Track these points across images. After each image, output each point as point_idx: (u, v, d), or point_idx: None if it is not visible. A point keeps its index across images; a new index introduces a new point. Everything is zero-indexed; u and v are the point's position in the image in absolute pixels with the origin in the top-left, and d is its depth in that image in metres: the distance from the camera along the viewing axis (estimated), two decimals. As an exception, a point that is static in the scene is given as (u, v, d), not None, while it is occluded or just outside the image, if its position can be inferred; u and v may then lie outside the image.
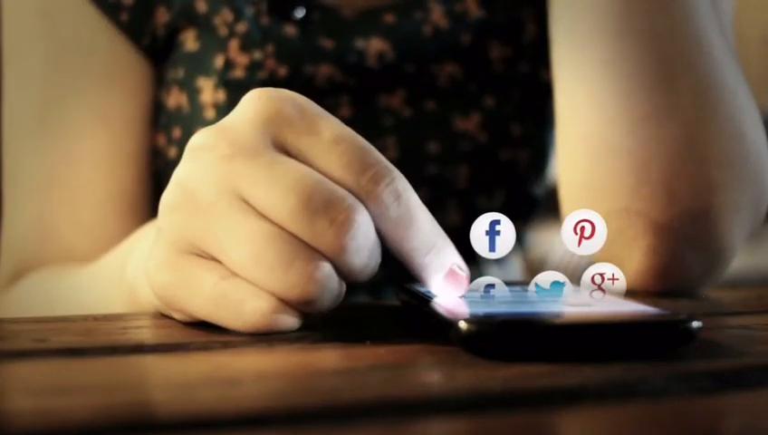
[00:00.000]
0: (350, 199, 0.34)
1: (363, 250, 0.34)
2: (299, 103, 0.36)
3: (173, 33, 0.61)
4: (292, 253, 0.34)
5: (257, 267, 0.34)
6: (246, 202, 0.35)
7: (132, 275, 0.42)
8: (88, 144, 0.61)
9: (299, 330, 0.35)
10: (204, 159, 0.35)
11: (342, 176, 0.34)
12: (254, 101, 0.36)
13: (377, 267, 0.36)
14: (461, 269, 0.36)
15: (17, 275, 0.61)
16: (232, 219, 0.34)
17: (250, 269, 0.34)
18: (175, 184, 0.36)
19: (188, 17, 0.61)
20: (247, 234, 0.34)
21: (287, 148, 0.35)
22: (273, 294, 0.34)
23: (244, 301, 0.34)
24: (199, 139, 0.36)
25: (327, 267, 0.34)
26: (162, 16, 0.61)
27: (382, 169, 0.35)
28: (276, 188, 0.34)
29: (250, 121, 0.35)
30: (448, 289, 0.36)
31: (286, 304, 0.34)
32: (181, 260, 0.36)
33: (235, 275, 0.35)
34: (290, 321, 0.34)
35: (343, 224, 0.33)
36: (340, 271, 0.35)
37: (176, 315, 0.37)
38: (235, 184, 0.35)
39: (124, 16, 0.61)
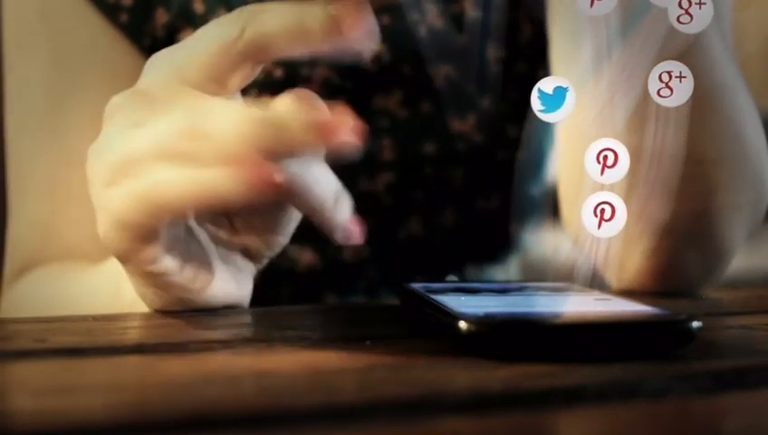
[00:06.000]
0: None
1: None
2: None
3: (172, 33, 0.61)
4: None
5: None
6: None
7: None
8: (89, 144, 0.61)
9: (299, 330, 0.35)
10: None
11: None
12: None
13: None
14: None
15: (21, 274, 0.61)
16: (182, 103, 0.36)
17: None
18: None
19: (186, 17, 0.61)
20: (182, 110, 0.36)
21: None
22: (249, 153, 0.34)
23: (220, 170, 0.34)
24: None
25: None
26: (161, 17, 0.61)
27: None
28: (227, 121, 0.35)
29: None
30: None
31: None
32: (138, 179, 0.36)
33: (195, 157, 0.35)
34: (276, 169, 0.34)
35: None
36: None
37: (169, 264, 0.37)
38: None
39: (124, 17, 0.61)
